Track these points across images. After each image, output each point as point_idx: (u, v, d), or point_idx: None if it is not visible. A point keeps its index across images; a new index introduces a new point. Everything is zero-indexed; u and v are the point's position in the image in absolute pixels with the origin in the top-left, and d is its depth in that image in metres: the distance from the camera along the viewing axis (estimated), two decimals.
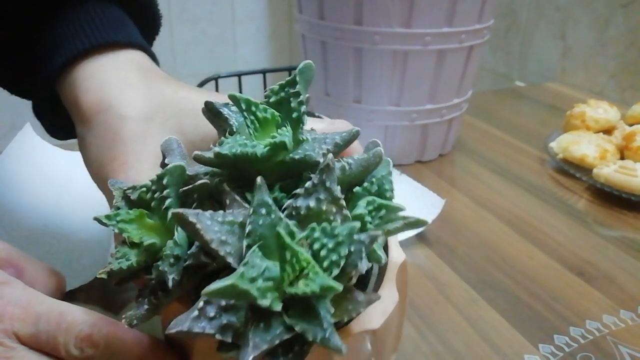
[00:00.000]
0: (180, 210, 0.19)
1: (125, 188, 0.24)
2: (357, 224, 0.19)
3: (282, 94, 0.23)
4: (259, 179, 0.20)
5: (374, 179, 0.24)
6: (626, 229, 0.50)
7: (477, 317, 0.38)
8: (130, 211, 0.23)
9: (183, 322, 0.19)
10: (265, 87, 0.95)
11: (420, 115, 0.59)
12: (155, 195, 0.22)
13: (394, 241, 0.26)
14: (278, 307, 0.18)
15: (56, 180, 0.50)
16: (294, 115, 0.23)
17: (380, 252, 0.21)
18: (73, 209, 0.46)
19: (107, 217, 0.22)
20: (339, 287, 0.18)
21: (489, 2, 0.57)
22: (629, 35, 0.83)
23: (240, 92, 0.89)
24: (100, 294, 0.39)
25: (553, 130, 0.67)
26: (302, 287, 0.18)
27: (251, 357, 0.18)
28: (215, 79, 0.81)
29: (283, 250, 0.18)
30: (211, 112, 0.24)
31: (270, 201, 0.20)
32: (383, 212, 0.22)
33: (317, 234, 0.19)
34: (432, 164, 0.62)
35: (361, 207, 0.22)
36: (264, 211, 0.20)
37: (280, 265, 0.19)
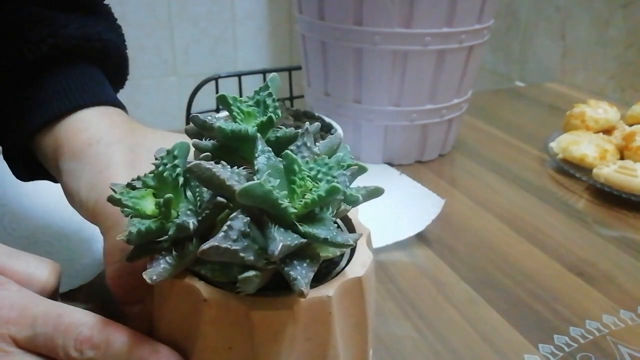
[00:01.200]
0: (196, 161, 0.23)
1: (128, 182, 0.26)
2: (342, 154, 0.24)
3: (258, 96, 0.28)
4: (255, 133, 0.25)
5: (336, 157, 0.28)
6: (626, 229, 0.50)
7: (477, 317, 0.38)
8: (142, 190, 0.26)
9: (213, 241, 0.22)
10: None
11: (420, 115, 0.59)
12: (167, 166, 0.26)
13: (357, 216, 0.30)
14: (292, 210, 0.22)
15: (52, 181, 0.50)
16: (270, 109, 0.28)
17: (359, 196, 0.25)
18: (74, 210, 0.46)
19: (121, 193, 0.25)
20: (341, 187, 0.22)
21: (489, 3, 0.57)
22: (629, 36, 0.83)
23: (240, 92, 0.89)
24: (100, 294, 0.39)
25: (553, 131, 0.67)
26: (311, 195, 0.22)
27: (280, 246, 0.21)
28: (215, 79, 0.81)
29: (292, 164, 0.23)
30: (197, 123, 0.28)
31: (267, 148, 0.25)
32: (356, 167, 0.27)
33: (312, 165, 0.24)
34: (432, 164, 0.62)
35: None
36: (267, 155, 0.24)
37: (289, 184, 0.23)
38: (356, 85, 0.58)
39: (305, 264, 0.23)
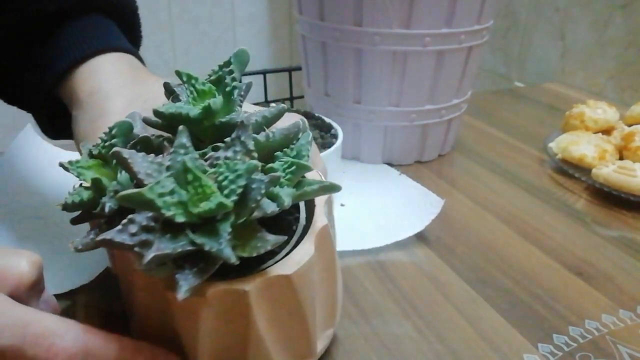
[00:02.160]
0: (118, 148, 0.23)
1: (90, 147, 0.28)
2: (256, 162, 0.23)
3: (220, 72, 0.28)
4: (181, 127, 0.24)
5: (293, 146, 0.28)
6: (625, 229, 0.50)
7: (477, 316, 0.38)
8: (89, 160, 0.27)
9: (108, 234, 0.22)
10: (265, 87, 0.95)
11: (420, 115, 0.59)
12: (106, 144, 0.27)
13: (320, 209, 0.29)
14: (180, 219, 0.22)
15: (57, 180, 0.50)
16: (227, 89, 0.27)
17: (286, 198, 0.24)
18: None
19: (69, 162, 0.26)
20: (229, 204, 0.22)
21: (489, 3, 0.57)
22: (628, 36, 0.83)
23: None
24: (100, 294, 0.39)
25: (552, 131, 0.67)
26: (202, 206, 0.22)
27: (151, 256, 0.21)
28: None
29: (186, 173, 0.23)
30: (167, 90, 0.29)
31: (188, 144, 0.24)
32: (294, 167, 0.26)
33: (222, 169, 0.23)
34: (432, 164, 0.62)
35: (276, 164, 0.27)
36: (182, 151, 0.24)
37: (185, 187, 0.23)
38: (356, 86, 0.58)
39: (195, 269, 0.23)
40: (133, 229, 0.22)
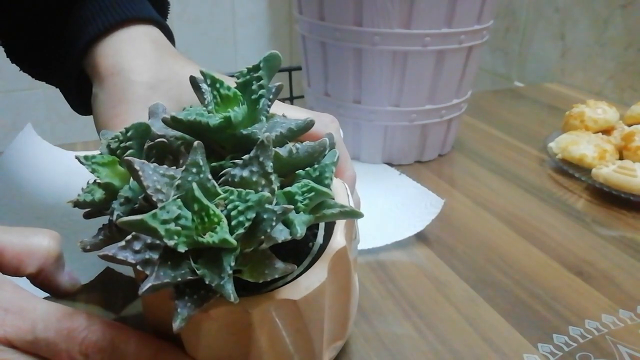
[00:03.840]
0: (130, 157, 0.22)
1: (110, 138, 0.27)
2: (267, 194, 0.22)
3: (247, 77, 0.26)
4: (196, 143, 0.23)
5: (317, 166, 0.26)
6: (625, 229, 0.50)
7: (477, 316, 0.38)
8: (106, 156, 0.26)
9: (111, 249, 0.22)
10: None
11: (420, 115, 0.59)
12: (121, 145, 0.26)
13: (340, 228, 0.28)
14: (182, 249, 0.21)
15: (57, 180, 0.50)
16: (253, 96, 0.26)
17: (299, 228, 0.23)
18: (74, 209, 0.46)
19: (85, 157, 0.25)
20: (233, 242, 0.21)
21: (489, 3, 0.57)
22: (628, 36, 0.83)
23: None
24: (100, 294, 0.39)
25: (552, 131, 0.67)
26: (207, 238, 0.21)
27: (149, 285, 0.21)
28: None
29: (193, 202, 0.22)
30: (193, 85, 0.27)
31: (201, 162, 0.23)
32: (312, 194, 0.25)
33: (232, 197, 0.22)
34: (432, 164, 0.62)
35: (295, 187, 0.25)
36: (194, 170, 0.23)
37: (192, 216, 0.22)
38: (356, 86, 0.58)
39: (196, 297, 0.22)
40: (137, 245, 0.22)
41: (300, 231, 0.23)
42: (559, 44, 0.95)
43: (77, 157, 0.26)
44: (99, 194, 0.25)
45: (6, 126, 1.20)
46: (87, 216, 0.27)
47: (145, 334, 0.26)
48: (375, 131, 0.60)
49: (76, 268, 0.40)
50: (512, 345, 0.35)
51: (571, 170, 0.57)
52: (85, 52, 0.36)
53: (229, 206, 0.22)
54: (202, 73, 0.26)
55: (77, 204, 0.26)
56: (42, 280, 0.29)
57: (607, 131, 0.65)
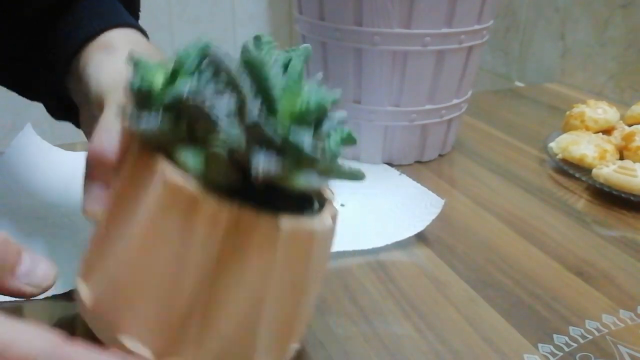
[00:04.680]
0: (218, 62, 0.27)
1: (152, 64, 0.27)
2: (337, 93, 0.27)
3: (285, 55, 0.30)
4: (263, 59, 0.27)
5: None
6: (625, 229, 0.50)
7: (477, 316, 0.38)
8: (156, 64, 0.27)
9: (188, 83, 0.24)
10: None
11: (420, 115, 0.59)
12: (186, 50, 0.28)
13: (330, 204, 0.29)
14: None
15: (57, 180, 0.50)
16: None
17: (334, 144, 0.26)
18: (74, 209, 0.46)
19: (137, 60, 0.26)
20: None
21: (489, 3, 0.57)
22: (628, 36, 0.83)
23: None
24: None
25: (552, 131, 0.67)
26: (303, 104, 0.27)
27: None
28: None
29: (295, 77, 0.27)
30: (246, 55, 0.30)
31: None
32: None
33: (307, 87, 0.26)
34: (432, 164, 0.62)
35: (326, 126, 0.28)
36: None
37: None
38: (356, 86, 0.58)
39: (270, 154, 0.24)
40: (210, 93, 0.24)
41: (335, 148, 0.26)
42: (559, 44, 0.95)
43: (129, 56, 0.26)
44: (159, 80, 0.25)
45: (6, 126, 1.20)
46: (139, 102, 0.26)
47: (108, 350, 0.24)
48: (375, 131, 0.60)
49: (76, 267, 0.40)
50: (512, 345, 0.35)
51: (571, 171, 0.57)
52: (74, 56, 0.38)
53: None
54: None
55: (132, 87, 0.25)
56: None
57: (607, 131, 0.65)
